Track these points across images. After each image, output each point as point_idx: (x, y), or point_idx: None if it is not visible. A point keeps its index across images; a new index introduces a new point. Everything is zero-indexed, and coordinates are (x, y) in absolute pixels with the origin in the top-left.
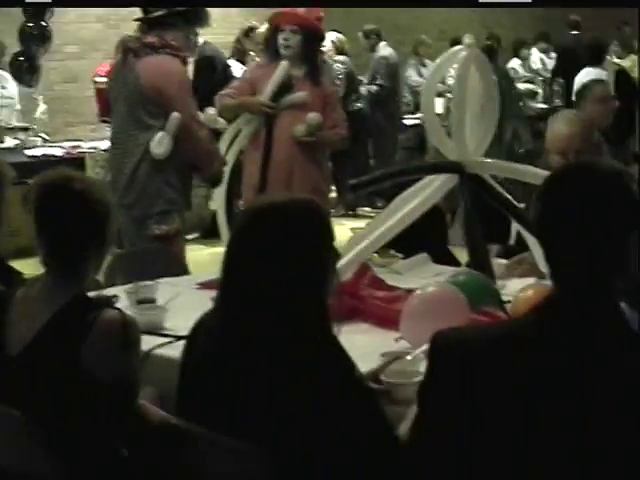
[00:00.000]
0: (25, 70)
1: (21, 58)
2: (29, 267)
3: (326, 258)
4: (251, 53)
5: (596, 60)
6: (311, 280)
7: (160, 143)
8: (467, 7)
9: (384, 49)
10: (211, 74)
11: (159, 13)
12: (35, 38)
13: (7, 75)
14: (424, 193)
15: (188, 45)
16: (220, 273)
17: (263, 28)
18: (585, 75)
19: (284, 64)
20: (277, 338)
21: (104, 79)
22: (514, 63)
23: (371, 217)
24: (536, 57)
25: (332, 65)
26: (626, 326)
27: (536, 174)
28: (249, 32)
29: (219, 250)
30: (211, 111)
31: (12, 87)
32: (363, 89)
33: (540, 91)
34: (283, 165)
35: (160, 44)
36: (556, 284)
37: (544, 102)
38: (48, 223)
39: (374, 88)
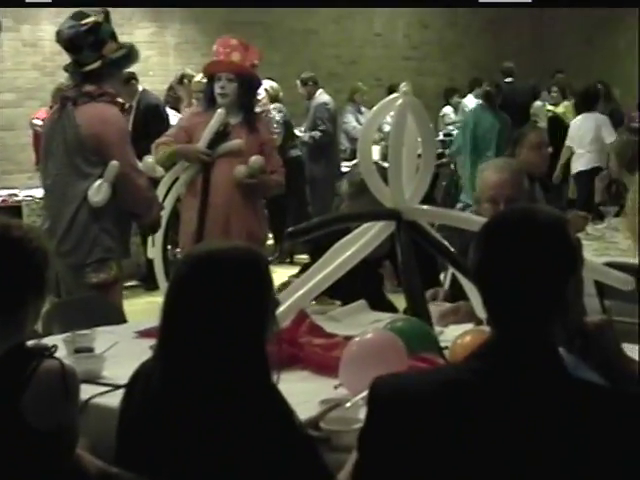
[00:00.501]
0: None
1: None
2: None
3: (265, 306)
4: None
5: (590, 106)
6: (250, 328)
7: (98, 191)
8: (467, 7)
9: (323, 96)
10: (160, 122)
11: (94, 66)
12: None
13: None
14: (361, 240)
15: (123, 90)
16: (159, 321)
17: (198, 77)
18: (583, 120)
19: (220, 112)
20: (216, 386)
21: (41, 122)
22: (446, 110)
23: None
24: (472, 103)
25: (268, 112)
26: (564, 371)
27: (472, 221)
28: (182, 79)
29: (156, 298)
30: (150, 159)
31: None
32: (304, 136)
33: None
34: (220, 212)
35: (98, 92)
36: (494, 329)
37: None
38: None
39: (317, 134)
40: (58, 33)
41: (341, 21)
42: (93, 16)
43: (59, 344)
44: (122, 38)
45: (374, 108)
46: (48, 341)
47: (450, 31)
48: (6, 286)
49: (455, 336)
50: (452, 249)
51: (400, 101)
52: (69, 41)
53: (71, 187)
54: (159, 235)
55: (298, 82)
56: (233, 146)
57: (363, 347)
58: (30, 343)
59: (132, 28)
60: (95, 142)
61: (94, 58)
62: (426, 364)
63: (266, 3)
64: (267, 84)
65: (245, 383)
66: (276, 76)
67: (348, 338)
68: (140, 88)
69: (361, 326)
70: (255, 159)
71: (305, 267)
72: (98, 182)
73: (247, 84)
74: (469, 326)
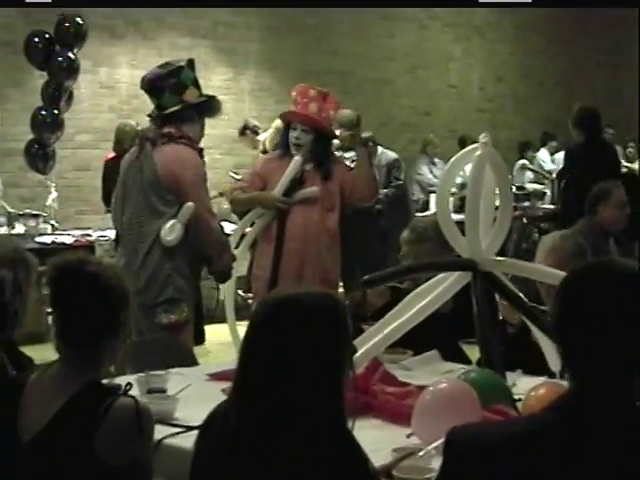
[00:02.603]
0: (39, 157)
1: (36, 146)
2: (37, 353)
3: (344, 351)
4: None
5: None
6: (328, 373)
7: (171, 231)
8: (467, 7)
9: (388, 152)
10: None
11: (174, 109)
12: (47, 125)
13: None
14: (436, 290)
15: (202, 137)
16: (236, 364)
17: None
18: None
19: (297, 160)
20: (292, 430)
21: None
22: (521, 164)
23: None
24: (546, 157)
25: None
26: None
27: (548, 273)
28: (245, 130)
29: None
30: (225, 205)
31: None
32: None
33: (548, 191)
34: (295, 258)
35: (178, 134)
36: (573, 382)
37: (552, 202)
38: (61, 306)
39: (392, 190)
40: (142, 79)
41: (416, 72)
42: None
43: (132, 384)
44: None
45: (452, 158)
46: (121, 381)
47: (524, 84)
48: (81, 322)
49: (528, 388)
50: (527, 300)
51: (479, 152)
52: (150, 82)
53: (145, 225)
54: (231, 280)
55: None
56: (309, 193)
57: (437, 396)
58: (105, 381)
59: (209, 74)
60: (171, 181)
61: (175, 102)
62: (499, 416)
63: (266, 3)
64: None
65: (321, 428)
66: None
67: (421, 387)
68: None
69: (433, 376)
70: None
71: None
72: (171, 222)
73: (322, 136)
74: (542, 379)
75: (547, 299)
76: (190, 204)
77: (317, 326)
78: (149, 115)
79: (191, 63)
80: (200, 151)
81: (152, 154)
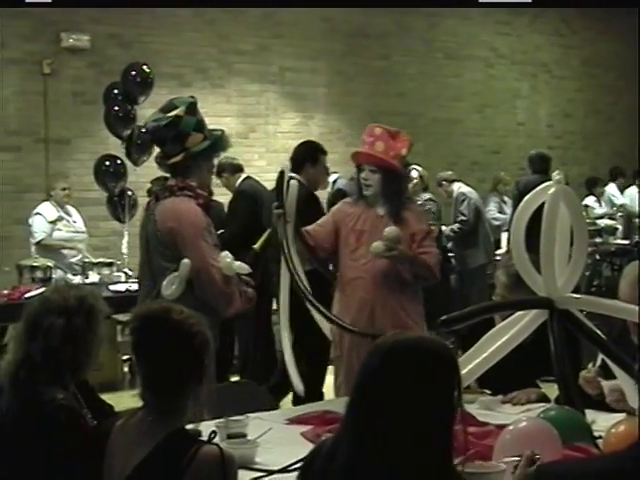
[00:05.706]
0: (120, 207)
1: (117, 197)
2: (112, 401)
3: (453, 394)
4: None
5: None
6: (440, 416)
7: (170, 284)
8: (466, 7)
9: (461, 188)
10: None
11: (177, 159)
12: (110, 175)
13: (72, 208)
14: (514, 329)
15: (211, 178)
16: (347, 404)
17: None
18: None
19: (293, 183)
20: (403, 471)
21: None
22: (588, 200)
23: None
24: (616, 192)
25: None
26: None
27: (625, 309)
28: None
29: None
30: (228, 259)
31: (79, 220)
32: (446, 229)
33: (620, 227)
34: (365, 307)
35: (179, 186)
36: None
37: (624, 238)
38: (146, 355)
39: (457, 226)
40: (144, 126)
41: (484, 110)
42: (179, 108)
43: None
44: (268, 128)
45: (527, 196)
46: (200, 426)
47: (592, 120)
48: (166, 369)
49: (608, 426)
50: (604, 337)
51: (553, 189)
52: (151, 134)
53: (149, 281)
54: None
55: (436, 184)
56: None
57: (517, 436)
58: (188, 427)
59: (277, 119)
60: (169, 237)
61: (177, 151)
62: (580, 453)
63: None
64: (420, 170)
65: (431, 470)
66: (421, 163)
67: (500, 426)
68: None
69: (512, 415)
70: (390, 229)
71: None
72: (171, 276)
73: (390, 175)
74: (621, 416)
75: (634, 334)
76: (186, 261)
77: (431, 370)
78: (156, 161)
79: (191, 108)
80: (207, 199)
81: (154, 210)
